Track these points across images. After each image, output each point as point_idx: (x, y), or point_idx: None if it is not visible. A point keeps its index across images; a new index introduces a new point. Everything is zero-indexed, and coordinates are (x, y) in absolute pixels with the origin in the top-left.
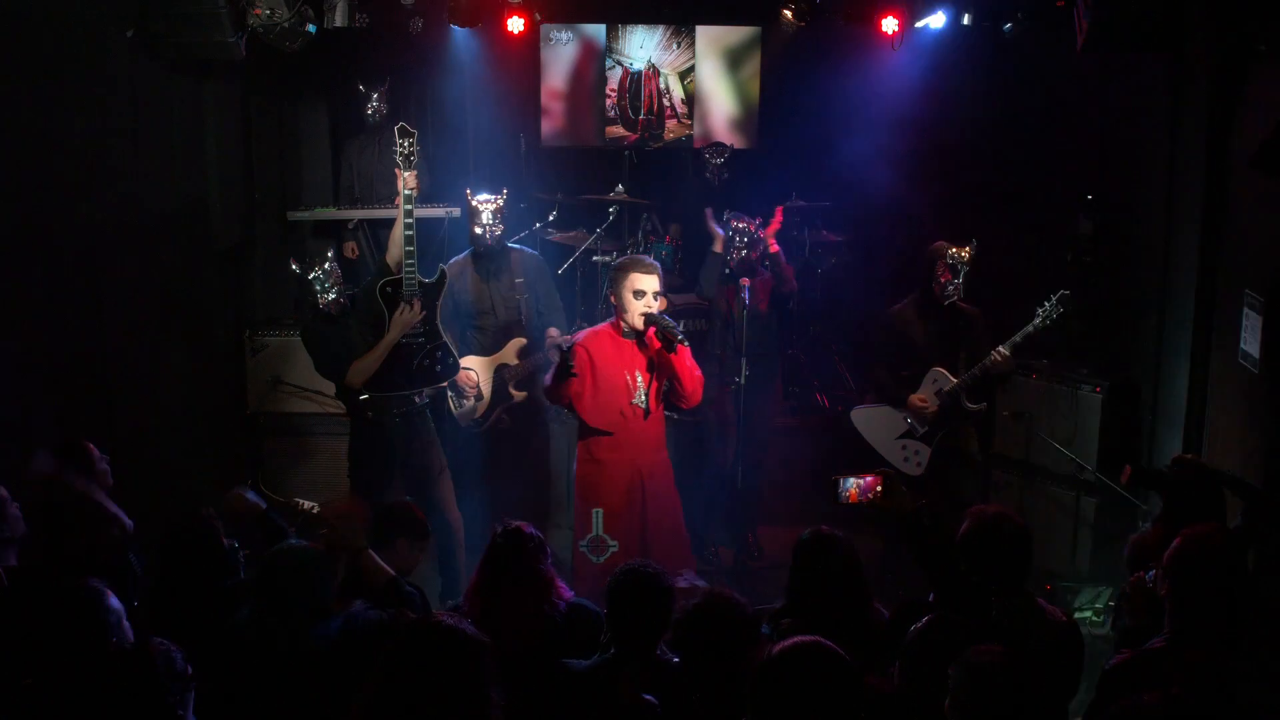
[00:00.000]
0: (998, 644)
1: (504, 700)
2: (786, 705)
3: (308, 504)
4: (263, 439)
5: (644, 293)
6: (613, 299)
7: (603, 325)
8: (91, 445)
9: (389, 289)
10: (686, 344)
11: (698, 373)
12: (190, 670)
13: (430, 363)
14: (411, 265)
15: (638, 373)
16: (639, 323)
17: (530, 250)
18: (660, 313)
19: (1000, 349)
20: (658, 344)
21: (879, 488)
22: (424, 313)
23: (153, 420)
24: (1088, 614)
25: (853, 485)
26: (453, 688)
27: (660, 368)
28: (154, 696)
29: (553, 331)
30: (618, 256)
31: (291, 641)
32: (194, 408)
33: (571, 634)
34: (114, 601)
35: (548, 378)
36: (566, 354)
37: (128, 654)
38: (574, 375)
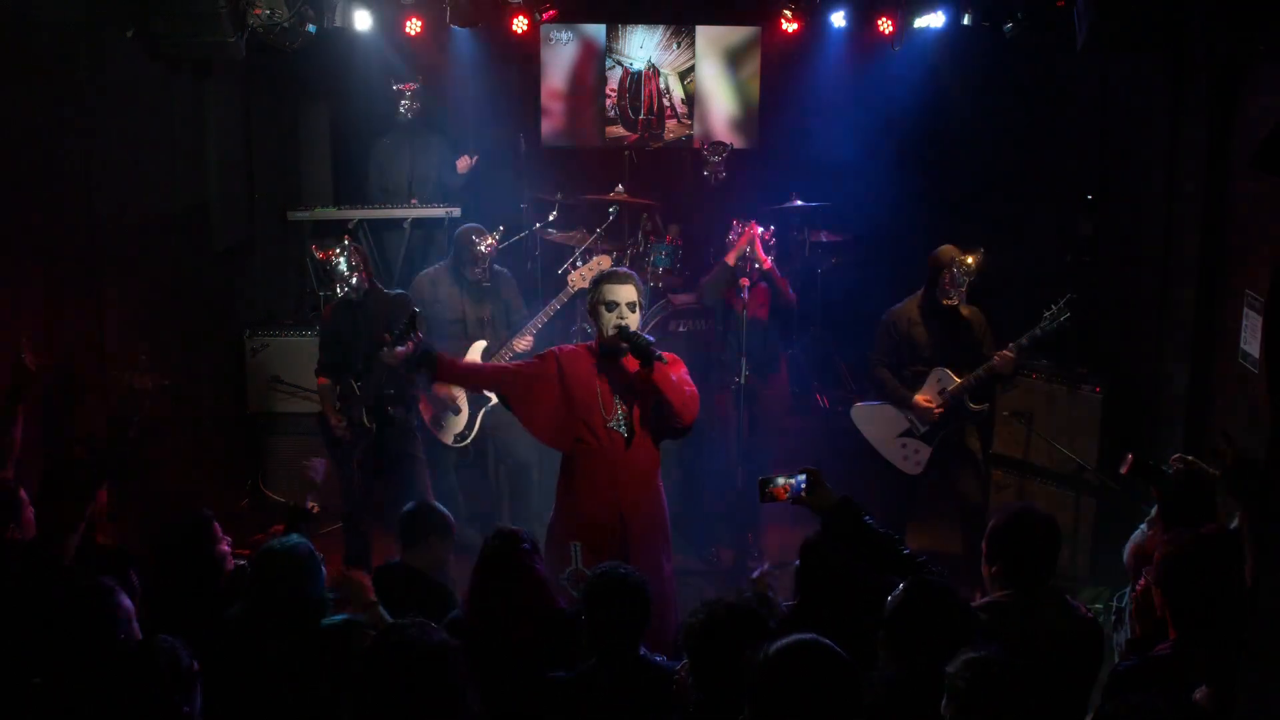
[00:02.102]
0: (1015, 636)
1: (477, 702)
2: (785, 704)
3: (308, 504)
4: (263, 439)
5: (616, 304)
6: (590, 316)
7: (584, 344)
8: (87, 449)
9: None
10: (663, 360)
11: (688, 389)
12: (196, 667)
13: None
14: None
15: (617, 394)
16: (612, 338)
17: (498, 265)
18: (635, 329)
19: (1006, 350)
20: (636, 361)
21: (804, 485)
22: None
23: (153, 420)
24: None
25: (781, 483)
26: (424, 692)
27: (643, 387)
28: (160, 694)
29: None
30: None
31: (282, 638)
32: (194, 408)
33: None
34: (125, 600)
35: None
36: (407, 323)
37: (134, 652)
38: (413, 334)
